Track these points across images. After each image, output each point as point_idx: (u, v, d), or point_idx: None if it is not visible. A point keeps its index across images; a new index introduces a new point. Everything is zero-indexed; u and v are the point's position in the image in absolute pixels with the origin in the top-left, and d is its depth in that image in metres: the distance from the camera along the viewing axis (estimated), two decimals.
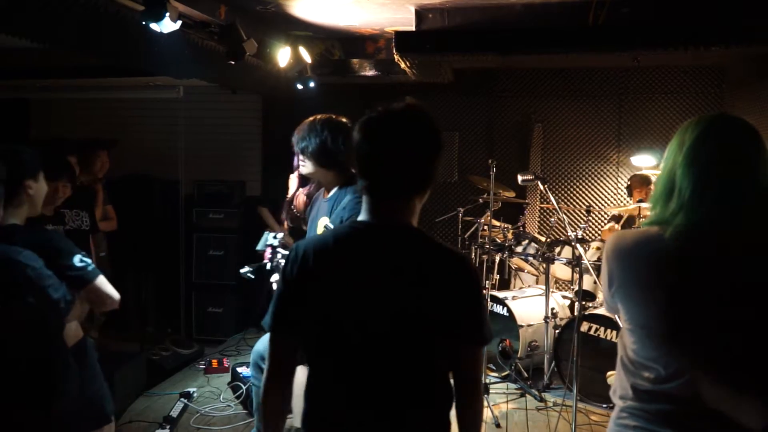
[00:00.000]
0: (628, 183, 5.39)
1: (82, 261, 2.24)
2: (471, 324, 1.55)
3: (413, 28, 4.52)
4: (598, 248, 4.96)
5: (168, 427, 3.95)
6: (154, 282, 6.52)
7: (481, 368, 1.65)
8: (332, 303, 1.54)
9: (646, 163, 5.54)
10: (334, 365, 1.57)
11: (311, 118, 2.87)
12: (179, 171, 6.62)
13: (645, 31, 4.15)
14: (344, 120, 2.85)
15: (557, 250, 5.00)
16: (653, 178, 5.13)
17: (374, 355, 1.53)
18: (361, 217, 1.58)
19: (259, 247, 2.78)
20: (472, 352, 1.58)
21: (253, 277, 3.52)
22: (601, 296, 4.70)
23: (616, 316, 1.59)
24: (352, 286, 1.53)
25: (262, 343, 2.93)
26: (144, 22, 3.19)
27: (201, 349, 5.62)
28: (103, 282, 2.30)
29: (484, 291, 4.85)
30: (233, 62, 4.05)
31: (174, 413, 4.13)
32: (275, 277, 2.64)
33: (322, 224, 2.80)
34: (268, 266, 2.76)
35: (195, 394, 4.54)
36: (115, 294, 2.34)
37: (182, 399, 4.33)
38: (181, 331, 6.36)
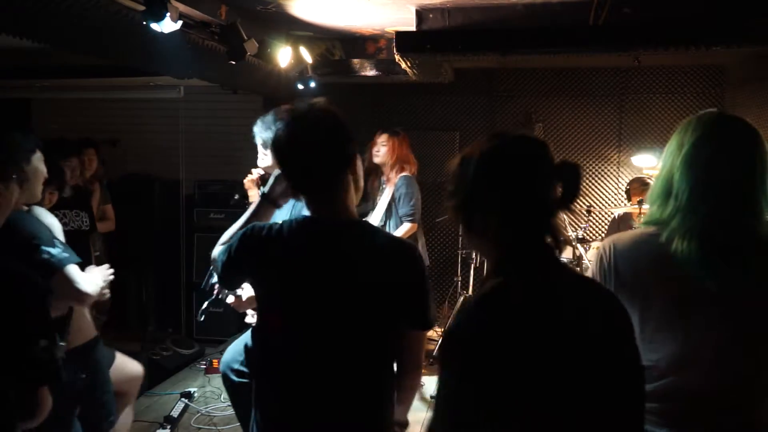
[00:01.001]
0: (627, 187, 5.38)
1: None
2: (416, 310, 1.63)
3: (414, 28, 4.53)
4: (598, 248, 4.96)
5: (169, 427, 3.96)
6: (154, 282, 6.52)
7: (423, 351, 1.78)
8: (279, 291, 1.61)
9: (647, 163, 5.53)
10: (280, 356, 1.63)
11: (276, 109, 2.75)
12: (180, 171, 6.62)
13: (645, 31, 4.14)
14: None
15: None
16: (652, 183, 5.10)
17: (319, 344, 1.58)
18: (306, 212, 1.67)
19: (203, 285, 2.71)
20: (416, 337, 1.69)
21: (202, 318, 3.50)
22: None
23: None
24: (300, 276, 1.59)
25: (230, 353, 2.90)
26: (144, 22, 3.19)
27: (202, 349, 5.62)
28: (74, 274, 2.22)
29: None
30: (234, 62, 4.06)
31: (175, 413, 4.13)
32: (230, 299, 2.64)
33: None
34: (220, 296, 2.72)
35: (196, 394, 4.54)
36: (86, 288, 2.25)
37: (183, 399, 4.34)
38: (181, 330, 6.37)
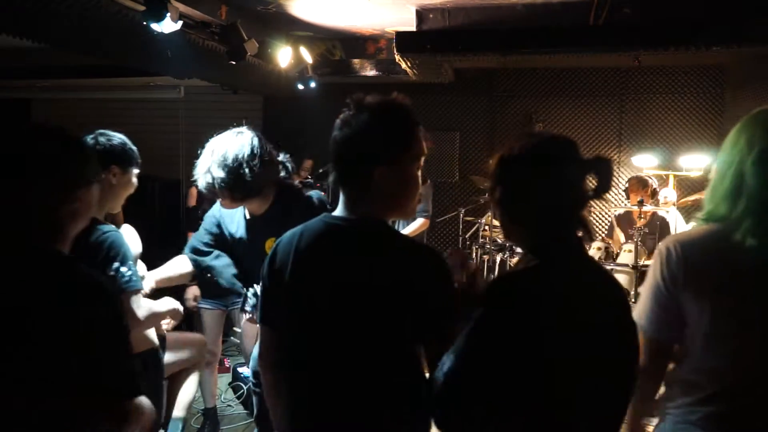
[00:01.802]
0: (626, 186, 5.39)
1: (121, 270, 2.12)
2: (440, 319, 1.52)
3: (414, 28, 4.53)
4: (598, 248, 4.96)
5: None
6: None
7: None
8: (301, 299, 1.57)
9: (647, 163, 5.53)
10: (306, 362, 1.59)
11: (209, 149, 2.45)
12: (180, 171, 6.62)
13: (646, 31, 4.15)
14: (243, 138, 2.43)
15: None
16: (650, 181, 5.13)
17: (342, 352, 1.53)
18: (336, 211, 1.59)
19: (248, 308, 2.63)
20: (442, 349, 1.51)
21: None
22: None
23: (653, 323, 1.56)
24: (319, 281, 1.55)
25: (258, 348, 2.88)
26: (145, 22, 3.19)
27: None
28: (135, 300, 2.15)
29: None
30: (234, 62, 4.06)
31: None
32: (245, 316, 2.58)
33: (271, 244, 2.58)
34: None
35: (196, 394, 4.53)
36: (140, 316, 2.19)
37: None
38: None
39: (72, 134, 1.45)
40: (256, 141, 2.39)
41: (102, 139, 2.27)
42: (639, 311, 1.57)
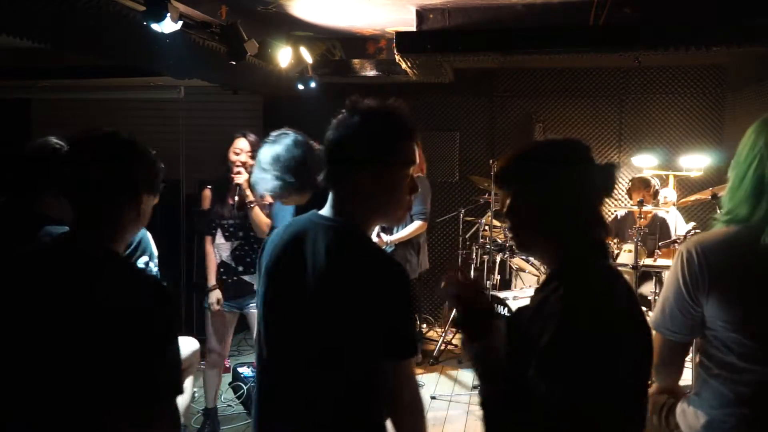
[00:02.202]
0: (628, 186, 5.39)
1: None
2: (387, 335, 1.45)
3: (414, 28, 4.53)
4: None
5: None
6: None
7: (403, 386, 1.50)
8: (267, 290, 1.60)
9: (647, 163, 5.53)
10: (262, 361, 1.63)
11: (266, 156, 2.58)
12: (180, 171, 6.62)
13: (646, 31, 4.15)
14: (296, 137, 2.61)
15: None
16: (653, 181, 5.13)
17: (291, 353, 1.54)
18: (323, 210, 1.60)
19: None
20: (390, 367, 1.47)
21: None
22: None
23: (673, 327, 1.56)
24: (284, 276, 1.56)
25: None
26: (145, 23, 3.19)
27: (202, 349, 5.61)
28: None
29: (491, 293, 4.85)
30: (234, 63, 4.06)
31: None
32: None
33: None
34: None
35: (196, 394, 4.54)
36: None
37: None
38: (182, 331, 6.36)
39: (143, 145, 1.60)
40: (306, 142, 2.61)
41: None
42: (658, 313, 1.56)
